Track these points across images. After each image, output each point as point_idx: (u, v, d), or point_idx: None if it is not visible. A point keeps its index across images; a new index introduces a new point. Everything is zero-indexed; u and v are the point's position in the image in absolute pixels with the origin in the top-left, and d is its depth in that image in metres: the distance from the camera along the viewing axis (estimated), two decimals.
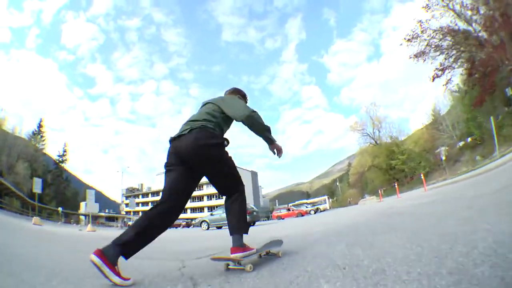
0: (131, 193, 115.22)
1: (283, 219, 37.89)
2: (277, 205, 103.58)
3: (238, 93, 3.53)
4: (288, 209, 43.82)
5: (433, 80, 39.19)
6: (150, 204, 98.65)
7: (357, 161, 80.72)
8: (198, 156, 2.71)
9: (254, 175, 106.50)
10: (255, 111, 2.95)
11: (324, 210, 49.51)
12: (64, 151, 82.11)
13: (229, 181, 3.00)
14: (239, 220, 2.87)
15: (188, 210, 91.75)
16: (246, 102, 3.49)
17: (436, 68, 38.43)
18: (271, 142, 3.15)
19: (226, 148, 2.95)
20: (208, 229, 22.67)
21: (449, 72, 38.64)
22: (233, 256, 2.70)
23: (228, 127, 3.17)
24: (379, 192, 32.22)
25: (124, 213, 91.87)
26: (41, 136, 75.07)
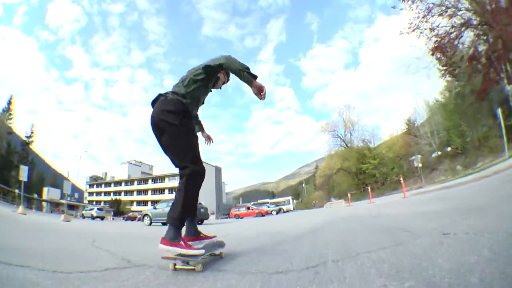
0: (94, 181, 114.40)
1: (241, 218, 35.35)
2: (241, 203, 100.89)
3: None
4: (248, 208, 40.44)
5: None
6: (112, 194, 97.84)
7: (326, 163, 78.06)
8: (158, 120, 2.70)
9: (217, 170, 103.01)
10: (227, 56, 2.87)
11: (287, 211, 47.81)
12: (32, 132, 77.49)
13: (174, 157, 2.74)
14: (173, 208, 2.60)
15: (149, 203, 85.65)
16: (226, 78, 3.41)
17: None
18: (250, 80, 2.79)
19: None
20: (150, 224, 20.12)
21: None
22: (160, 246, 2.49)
23: (201, 92, 3.02)
24: (348, 195, 29.61)
25: (87, 201, 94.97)
26: (9, 114, 70.74)
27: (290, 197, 61.32)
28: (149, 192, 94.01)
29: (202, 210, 20.70)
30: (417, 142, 53.75)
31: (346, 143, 72.37)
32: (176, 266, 2.47)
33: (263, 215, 34.89)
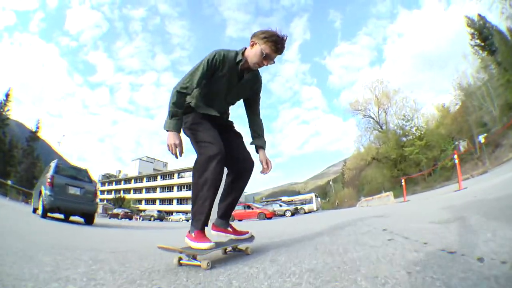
0: (106, 179, 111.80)
1: (240, 220, 27.83)
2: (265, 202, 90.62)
3: (256, 37, 2.55)
4: (248, 207, 29.72)
5: None
6: (122, 192, 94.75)
7: (356, 153, 62.64)
8: None
9: None
10: (176, 89, 2.51)
11: (309, 212, 40.10)
12: (37, 127, 78.37)
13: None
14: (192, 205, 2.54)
15: (157, 202, 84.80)
16: (272, 50, 2.53)
17: None
18: (166, 127, 2.51)
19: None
20: None
21: None
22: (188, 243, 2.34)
23: (211, 88, 2.69)
24: (402, 182, 20.38)
25: (105, 201, 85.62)
26: (6, 107, 70.34)
27: (313, 194, 47.76)
28: (158, 189, 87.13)
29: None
30: (475, 111, 40.09)
31: (381, 124, 57.81)
32: (181, 261, 2.29)
33: (267, 217, 26.61)
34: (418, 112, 52.50)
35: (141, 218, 50.28)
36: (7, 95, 70.82)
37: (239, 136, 3.00)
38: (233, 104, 2.96)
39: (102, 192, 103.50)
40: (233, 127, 3.05)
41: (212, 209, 2.48)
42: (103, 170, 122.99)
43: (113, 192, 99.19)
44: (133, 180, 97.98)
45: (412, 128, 51.21)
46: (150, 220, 44.00)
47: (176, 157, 2.51)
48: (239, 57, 2.61)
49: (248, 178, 2.89)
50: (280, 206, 33.76)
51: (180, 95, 2.51)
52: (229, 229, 2.80)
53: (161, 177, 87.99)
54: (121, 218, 40.55)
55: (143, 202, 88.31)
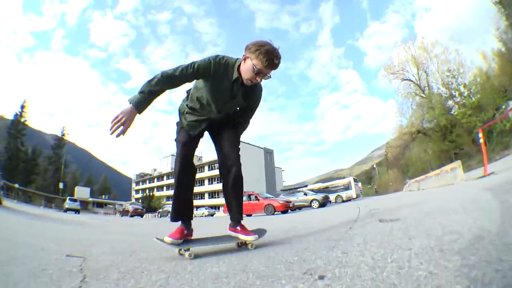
0: (141, 178, 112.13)
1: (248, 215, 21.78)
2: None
3: (249, 50, 2.51)
4: (256, 198, 23.73)
5: None
6: (156, 190, 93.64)
7: (398, 127, 52.06)
8: None
9: (268, 153, 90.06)
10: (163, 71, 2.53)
11: (347, 200, 35.23)
12: (62, 134, 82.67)
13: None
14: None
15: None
16: (263, 65, 2.46)
17: None
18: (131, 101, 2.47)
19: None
20: None
21: None
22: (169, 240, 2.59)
23: (198, 92, 2.77)
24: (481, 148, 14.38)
25: (134, 199, 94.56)
26: (22, 118, 73.13)
27: (351, 178, 41.13)
28: None
29: None
30: None
31: (423, 87, 48.37)
32: (180, 251, 2.58)
33: (276, 211, 21.54)
34: (464, 65, 42.71)
35: (159, 215, 48.59)
36: (22, 107, 73.58)
37: (232, 126, 3.03)
38: (227, 112, 2.94)
39: (137, 191, 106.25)
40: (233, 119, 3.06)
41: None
42: (139, 170, 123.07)
43: (147, 190, 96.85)
44: (165, 177, 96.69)
45: (459, 85, 42.08)
46: (166, 216, 39.42)
47: (112, 133, 2.31)
48: (235, 74, 2.56)
49: (234, 177, 2.89)
50: (305, 194, 27.74)
51: (162, 78, 2.48)
52: (238, 228, 2.88)
53: None
54: (132, 216, 37.72)
55: None
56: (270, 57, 2.39)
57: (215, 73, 2.52)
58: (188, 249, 2.47)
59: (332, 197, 36.21)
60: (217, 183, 71.28)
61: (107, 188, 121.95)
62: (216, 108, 2.73)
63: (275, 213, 21.01)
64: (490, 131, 31.57)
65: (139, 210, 41.65)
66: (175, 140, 2.87)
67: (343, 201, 35.18)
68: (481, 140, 13.46)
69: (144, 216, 40.72)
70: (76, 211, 37.57)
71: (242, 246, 2.89)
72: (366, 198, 31.32)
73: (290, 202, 22.85)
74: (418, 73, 47.81)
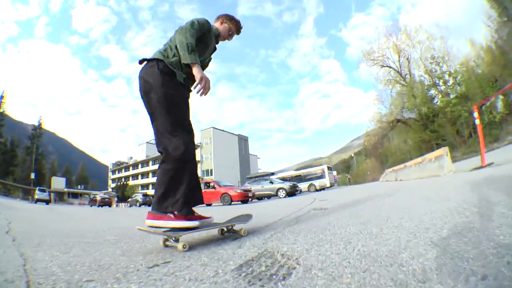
0: (117, 166, 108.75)
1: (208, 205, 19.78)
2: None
3: (221, 17, 3.14)
4: (210, 186, 20.99)
5: None
6: (131, 178, 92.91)
7: (377, 115, 48.95)
8: (140, 86, 2.57)
9: (242, 140, 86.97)
10: (188, 29, 2.55)
11: (321, 189, 33.62)
12: (39, 124, 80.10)
13: (158, 129, 2.54)
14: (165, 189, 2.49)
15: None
16: (234, 28, 3.18)
17: None
18: (191, 64, 2.46)
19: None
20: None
21: None
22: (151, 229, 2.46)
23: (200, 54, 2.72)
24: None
25: (110, 189, 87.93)
26: (1, 108, 71.09)
27: (325, 166, 38.20)
28: None
29: None
30: None
31: (403, 75, 45.54)
32: (167, 243, 2.46)
33: (233, 201, 18.96)
34: (449, 53, 39.76)
35: (128, 204, 45.81)
36: (1, 97, 71.74)
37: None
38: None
39: (114, 180, 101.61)
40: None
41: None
42: (114, 159, 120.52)
43: (123, 179, 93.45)
44: (139, 165, 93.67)
45: (444, 73, 39.33)
46: (135, 205, 38.16)
47: (204, 94, 2.50)
48: (216, 31, 3.02)
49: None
50: (271, 183, 24.98)
51: (193, 32, 2.54)
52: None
53: None
54: (99, 205, 36.43)
55: (150, 187, 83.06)
56: (240, 25, 3.17)
57: (209, 30, 2.78)
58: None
59: (305, 186, 34.90)
60: None
61: (85, 177, 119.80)
62: (203, 62, 2.83)
63: (232, 203, 18.53)
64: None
65: (106, 199, 39.86)
66: (169, 102, 2.44)
67: (316, 190, 33.18)
68: (477, 121, 10.74)
69: (112, 206, 39.85)
70: (46, 201, 37.28)
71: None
72: (338, 188, 30.67)
73: (250, 191, 20.29)
74: (399, 60, 44.99)
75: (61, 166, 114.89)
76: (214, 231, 2.99)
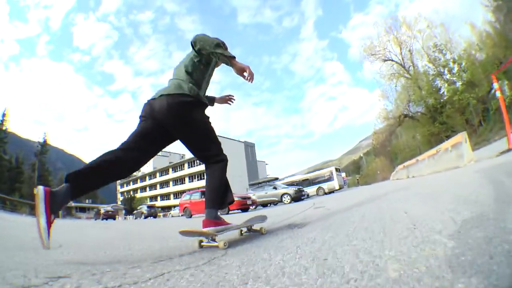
0: (125, 180, 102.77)
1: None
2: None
3: None
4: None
5: None
6: (139, 190, 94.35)
7: (383, 112, 47.36)
8: (171, 119, 2.63)
9: (249, 147, 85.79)
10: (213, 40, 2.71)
11: (330, 192, 32.47)
12: (44, 141, 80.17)
13: (206, 145, 2.86)
14: (216, 192, 2.79)
15: (171, 196, 79.93)
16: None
17: None
18: (229, 59, 2.63)
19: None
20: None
21: None
22: (205, 230, 2.58)
23: (206, 74, 2.96)
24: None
25: (120, 203, 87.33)
26: (3, 126, 70.40)
27: (332, 168, 36.87)
28: (171, 183, 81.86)
29: None
30: None
31: (407, 67, 43.42)
32: (202, 244, 2.66)
33: (231, 210, 18.37)
34: (451, 40, 37.76)
35: (134, 217, 45.43)
36: (3, 115, 71.53)
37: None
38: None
39: (122, 193, 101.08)
40: None
41: None
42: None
43: (131, 192, 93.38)
44: (147, 177, 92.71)
45: (448, 61, 37.27)
46: (141, 218, 38.56)
47: (251, 81, 2.69)
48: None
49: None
50: (275, 189, 23.65)
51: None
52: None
53: (172, 170, 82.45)
54: (103, 219, 36.30)
55: (159, 198, 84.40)
56: None
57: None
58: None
59: (313, 189, 34.21)
60: (198, 180, 70.13)
61: (94, 192, 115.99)
62: (205, 89, 3.02)
63: (230, 212, 17.54)
64: (486, 109, 27.93)
65: (110, 212, 39.69)
66: (214, 138, 2.90)
67: (325, 193, 32.03)
68: (498, 93, 9.36)
69: (116, 218, 39.49)
70: None
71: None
72: (347, 190, 29.49)
73: (249, 198, 19.24)
74: (401, 52, 43.23)
75: None
76: (235, 233, 3.22)
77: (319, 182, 35.71)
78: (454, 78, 35.66)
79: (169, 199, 78.85)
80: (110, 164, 2.39)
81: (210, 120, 2.87)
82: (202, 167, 71.07)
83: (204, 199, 9.68)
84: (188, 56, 2.89)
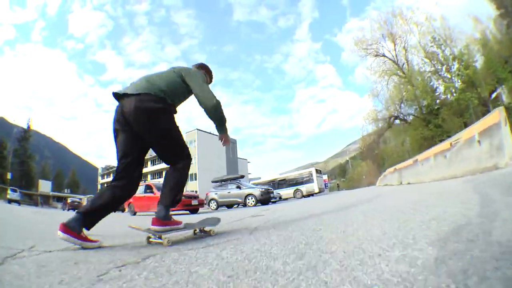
0: (106, 171, 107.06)
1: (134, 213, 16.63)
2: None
3: (204, 69, 3.47)
4: (150, 189, 16.34)
5: None
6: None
7: (372, 112, 42.74)
8: (142, 120, 2.70)
9: (230, 143, 79.32)
10: (219, 101, 2.98)
11: (308, 195, 30.32)
12: (28, 127, 79.77)
13: (174, 149, 2.97)
14: (170, 191, 2.89)
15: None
16: (210, 81, 3.56)
17: None
18: (224, 132, 3.20)
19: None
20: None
21: None
22: (152, 228, 2.73)
23: (183, 100, 3.15)
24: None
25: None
26: None
27: (312, 169, 33.40)
28: (149, 176, 78.50)
29: None
30: None
31: (401, 65, 39.06)
32: (150, 240, 2.78)
33: (173, 210, 11.86)
34: (452, 35, 33.18)
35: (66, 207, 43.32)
36: None
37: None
38: None
39: (102, 185, 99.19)
40: None
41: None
42: (104, 163, 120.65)
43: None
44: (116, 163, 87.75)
45: (448, 57, 32.72)
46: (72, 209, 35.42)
47: (224, 145, 3.36)
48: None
49: None
50: (239, 188, 19.80)
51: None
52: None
53: (151, 163, 78.78)
54: (69, 209, 35.85)
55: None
56: (212, 78, 3.61)
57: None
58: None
59: (290, 191, 31.95)
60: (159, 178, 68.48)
61: (76, 182, 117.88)
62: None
63: (173, 213, 13.40)
64: (487, 112, 24.55)
65: (76, 203, 39.59)
66: (182, 143, 2.99)
67: (303, 196, 29.94)
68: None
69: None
70: (18, 202, 37.51)
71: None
72: (326, 194, 28.20)
73: (196, 197, 16.16)
74: (395, 48, 38.98)
75: (53, 170, 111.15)
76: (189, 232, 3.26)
77: (297, 184, 32.78)
78: (454, 77, 31.74)
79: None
80: (109, 205, 2.70)
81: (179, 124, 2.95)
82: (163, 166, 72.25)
83: (146, 195, 15.64)
84: (173, 80, 2.93)
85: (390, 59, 39.51)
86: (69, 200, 40.82)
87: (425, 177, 10.78)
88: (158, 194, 15.58)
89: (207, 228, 3.17)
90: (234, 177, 22.31)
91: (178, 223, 2.83)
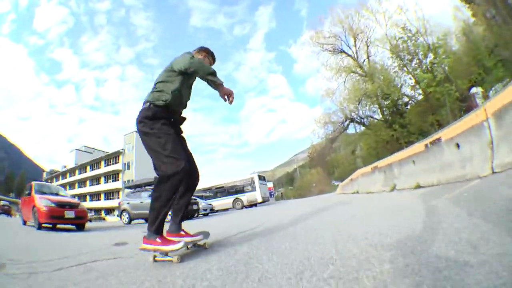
0: (50, 175, 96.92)
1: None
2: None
3: (205, 52, 3.38)
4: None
5: None
6: (68, 187, 75.05)
7: (323, 114, 38.26)
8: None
9: None
10: (194, 58, 2.85)
11: (250, 205, 27.49)
12: None
13: (153, 161, 2.81)
14: (151, 212, 2.77)
15: (87, 198, 69.64)
16: (212, 62, 3.42)
17: None
18: (217, 85, 2.94)
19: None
20: (129, 222, 15.32)
21: None
22: (142, 246, 2.69)
23: (187, 83, 3.04)
24: None
25: None
26: None
27: (255, 175, 29.19)
28: (88, 182, 72.35)
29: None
30: None
31: (361, 62, 34.75)
32: (156, 258, 2.71)
33: (44, 223, 10.37)
34: (426, 25, 28.17)
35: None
36: None
37: (182, 134, 3.20)
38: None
39: None
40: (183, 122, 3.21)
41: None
42: (49, 167, 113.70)
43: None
44: (68, 174, 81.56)
45: (417, 48, 27.73)
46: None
47: (231, 103, 2.95)
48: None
49: (195, 189, 3.20)
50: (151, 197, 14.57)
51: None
52: (182, 232, 3.03)
53: (90, 168, 72.92)
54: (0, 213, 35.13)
55: (88, 197, 70.75)
56: (215, 59, 3.41)
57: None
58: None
59: (229, 201, 28.54)
60: (113, 181, 65.14)
61: (24, 186, 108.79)
62: (187, 97, 3.11)
63: (43, 225, 10.42)
64: (466, 109, 21.08)
65: (6, 207, 38.57)
66: (161, 152, 2.68)
67: (244, 207, 27.13)
68: None
69: (14, 215, 36.24)
70: None
71: (196, 246, 3.20)
72: (270, 204, 27.42)
73: (77, 206, 11.56)
74: (355, 44, 34.39)
75: (14, 174, 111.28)
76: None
77: (238, 192, 28.78)
78: (429, 67, 26.67)
79: (85, 200, 66.44)
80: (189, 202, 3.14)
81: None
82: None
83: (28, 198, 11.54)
84: (166, 74, 2.90)
85: (349, 55, 34.98)
86: (1, 203, 39.22)
87: (405, 184, 7.96)
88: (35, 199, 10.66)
89: (200, 242, 3.11)
90: (148, 182, 16.64)
91: (166, 244, 2.60)
